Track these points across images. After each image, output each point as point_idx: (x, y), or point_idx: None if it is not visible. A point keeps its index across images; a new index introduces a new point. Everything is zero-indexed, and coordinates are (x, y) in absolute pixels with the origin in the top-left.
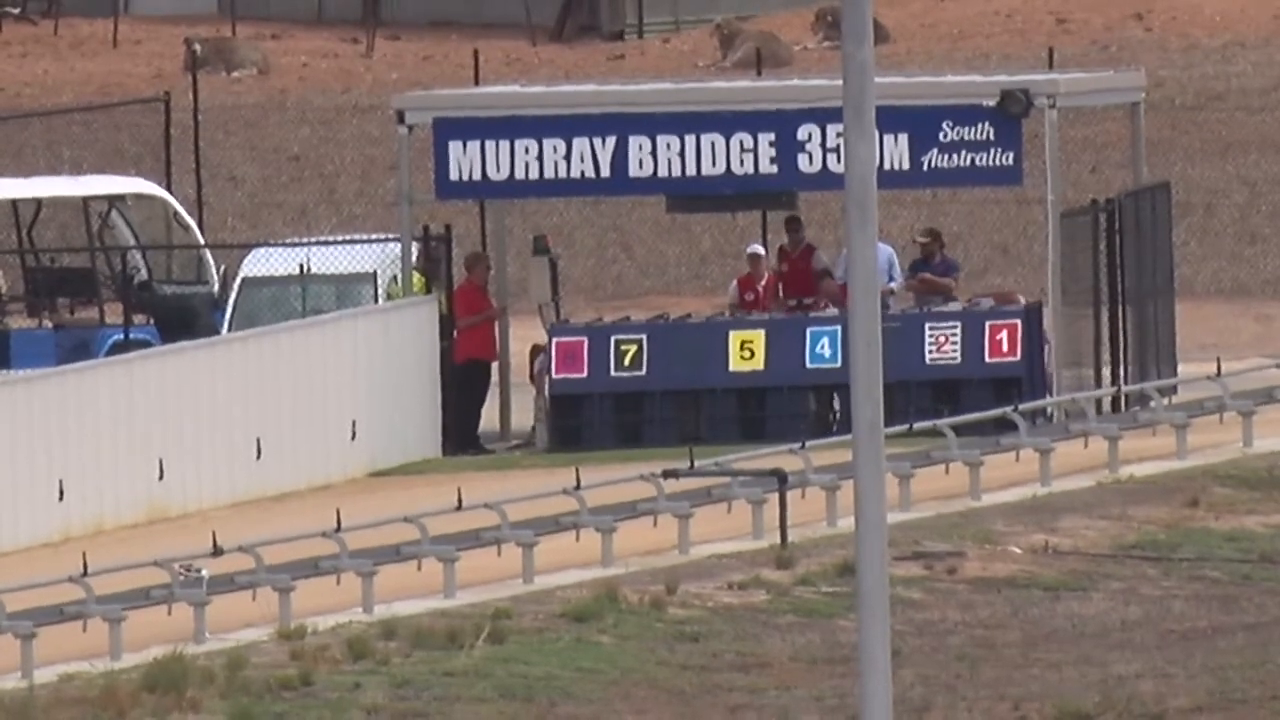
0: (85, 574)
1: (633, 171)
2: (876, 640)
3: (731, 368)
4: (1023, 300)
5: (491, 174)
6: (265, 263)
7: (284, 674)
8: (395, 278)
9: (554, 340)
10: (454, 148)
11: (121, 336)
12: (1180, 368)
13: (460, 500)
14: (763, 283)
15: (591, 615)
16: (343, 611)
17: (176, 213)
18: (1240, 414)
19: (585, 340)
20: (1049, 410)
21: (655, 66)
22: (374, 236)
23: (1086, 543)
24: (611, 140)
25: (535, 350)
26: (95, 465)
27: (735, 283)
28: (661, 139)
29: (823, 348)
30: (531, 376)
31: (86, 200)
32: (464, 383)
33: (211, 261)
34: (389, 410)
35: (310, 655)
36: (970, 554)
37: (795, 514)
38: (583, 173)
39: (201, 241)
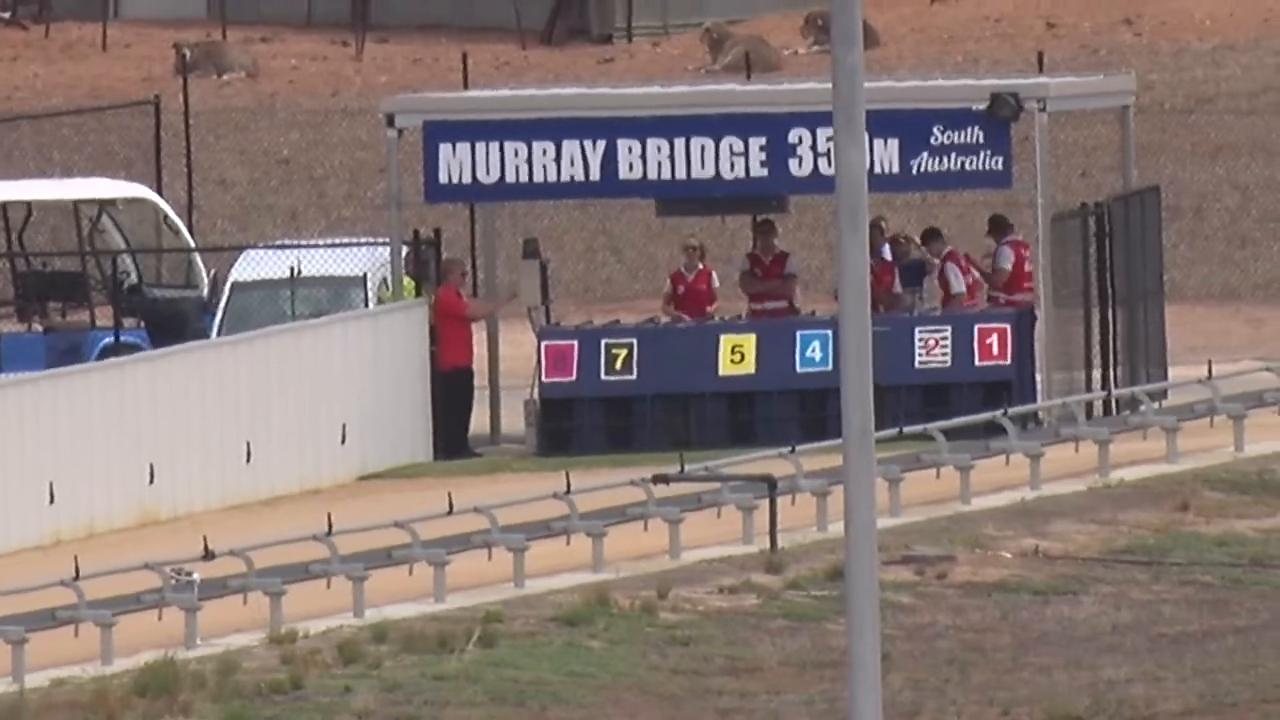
0: (76, 578)
1: (622, 174)
2: (866, 644)
3: (722, 372)
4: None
5: (481, 177)
6: (255, 266)
7: (275, 678)
8: (385, 281)
9: (543, 344)
10: (443, 151)
11: (112, 340)
12: (1171, 371)
13: (451, 504)
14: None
15: (582, 619)
16: (333, 615)
17: (166, 216)
18: (1231, 417)
19: (575, 344)
20: (1039, 414)
21: (644, 70)
22: (364, 240)
23: (1076, 547)
24: (601, 143)
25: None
26: (86, 469)
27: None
28: (651, 142)
29: (813, 352)
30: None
31: (77, 204)
32: (451, 390)
33: (201, 265)
34: (379, 414)
35: (301, 659)
36: (960, 558)
37: (785, 519)
38: (572, 176)
39: (192, 245)
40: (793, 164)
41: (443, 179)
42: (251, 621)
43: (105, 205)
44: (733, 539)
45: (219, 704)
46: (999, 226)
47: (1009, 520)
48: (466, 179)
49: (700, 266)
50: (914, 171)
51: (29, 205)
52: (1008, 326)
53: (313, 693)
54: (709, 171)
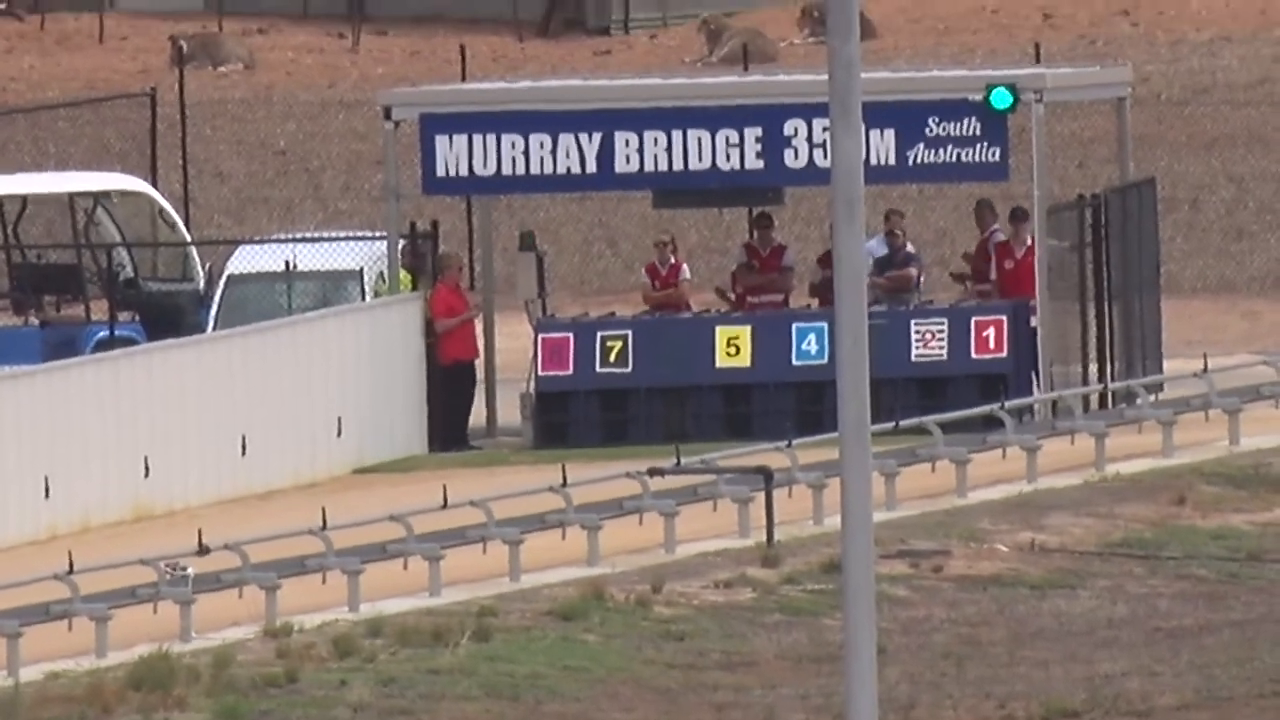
0: (71, 572)
1: (619, 167)
2: (862, 638)
3: (718, 364)
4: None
5: (478, 169)
6: (251, 259)
7: (270, 672)
8: (382, 274)
9: (539, 336)
10: (440, 143)
11: (107, 334)
12: (1167, 364)
13: (446, 498)
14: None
15: (577, 613)
16: (329, 609)
17: (162, 209)
18: (1227, 411)
19: (571, 336)
20: (1034, 407)
21: (642, 62)
22: (360, 233)
23: (1073, 540)
24: (598, 136)
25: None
26: (81, 463)
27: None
28: (648, 134)
29: (809, 344)
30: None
31: (72, 196)
32: (450, 385)
33: (197, 258)
34: (375, 407)
35: (296, 653)
36: (956, 552)
37: (781, 512)
38: (569, 168)
39: (187, 238)
40: (789, 156)
41: (439, 171)
42: (246, 615)
43: (100, 198)
44: (729, 532)
45: (214, 698)
46: (987, 214)
47: (1005, 514)
48: (463, 171)
49: (672, 260)
50: (910, 163)
51: (24, 198)
52: (1004, 319)
53: (307, 686)
54: (705, 163)
